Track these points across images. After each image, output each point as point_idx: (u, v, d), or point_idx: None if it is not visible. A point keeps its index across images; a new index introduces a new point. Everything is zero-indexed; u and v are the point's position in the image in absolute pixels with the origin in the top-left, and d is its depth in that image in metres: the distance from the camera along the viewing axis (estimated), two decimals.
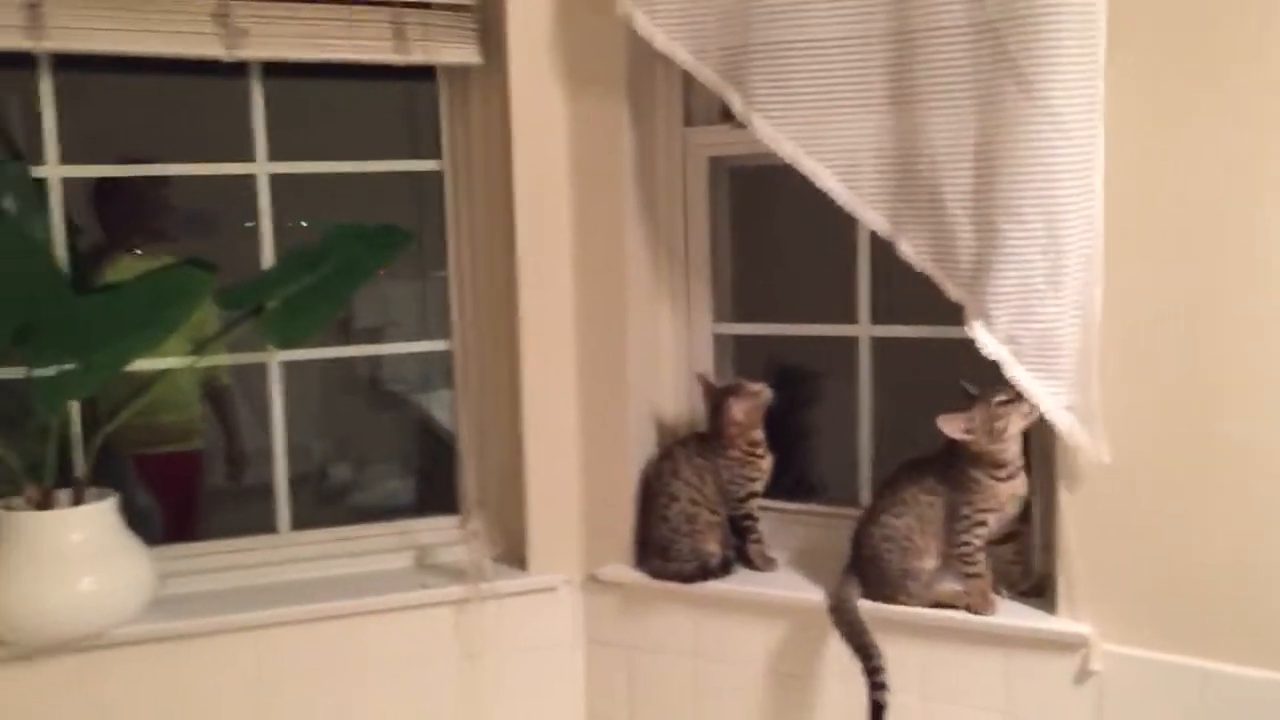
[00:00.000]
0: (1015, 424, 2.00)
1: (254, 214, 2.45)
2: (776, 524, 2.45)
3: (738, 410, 2.30)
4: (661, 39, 2.18)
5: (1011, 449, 2.05)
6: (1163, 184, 1.89)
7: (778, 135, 2.09)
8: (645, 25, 2.19)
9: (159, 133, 2.58)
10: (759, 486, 2.36)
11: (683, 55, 2.18)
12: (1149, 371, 1.93)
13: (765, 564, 2.36)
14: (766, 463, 2.35)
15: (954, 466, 2.08)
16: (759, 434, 2.35)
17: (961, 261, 1.97)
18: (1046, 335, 1.90)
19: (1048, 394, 1.92)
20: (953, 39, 1.94)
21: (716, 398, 2.34)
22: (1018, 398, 1.97)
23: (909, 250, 2.02)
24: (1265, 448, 1.85)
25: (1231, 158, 1.84)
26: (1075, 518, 2.01)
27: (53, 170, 2.29)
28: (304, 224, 2.57)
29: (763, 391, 2.32)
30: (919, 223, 2.02)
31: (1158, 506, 1.94)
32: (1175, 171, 1.88)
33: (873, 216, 2.06)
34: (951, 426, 2.03)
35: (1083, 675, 2.01)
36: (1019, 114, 1.87)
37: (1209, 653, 1.91)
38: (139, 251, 2.69)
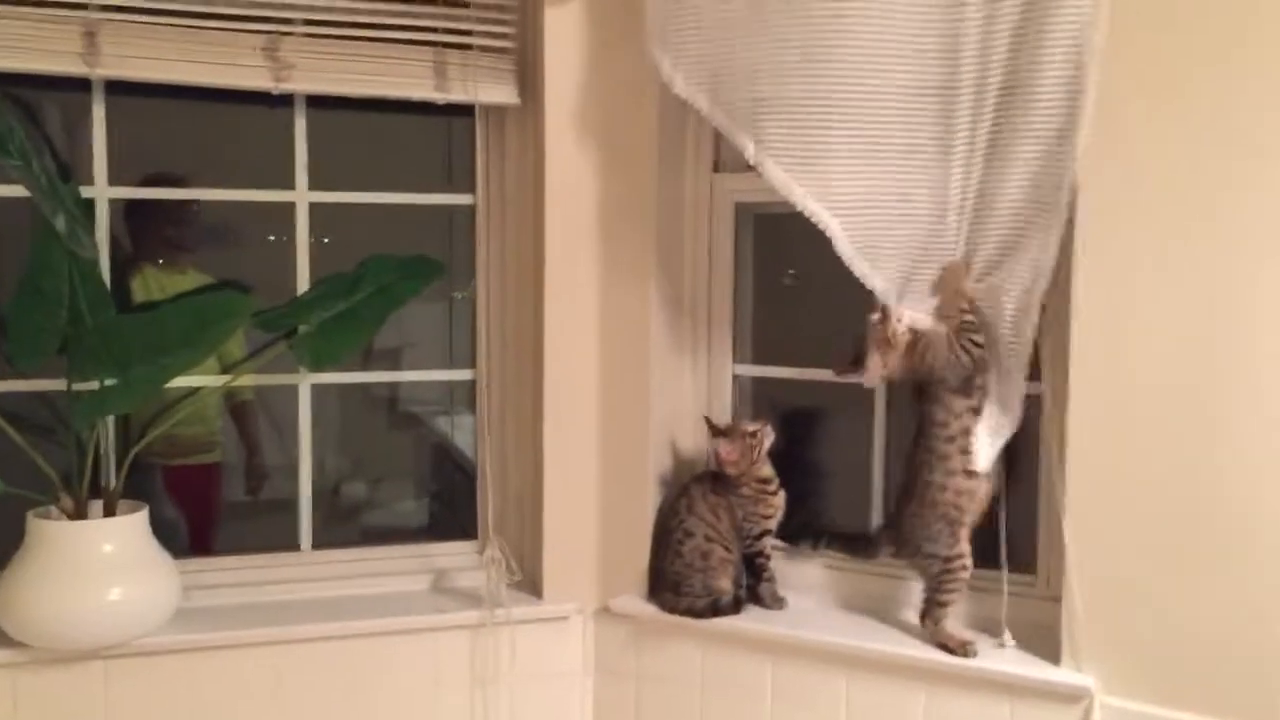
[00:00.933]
0: (902, 327, 2.14)
1: (278, 228, 2.53)
2: (788, 564, 2.50)
3: (725, 450, 2.36)
4: (681, 84, 2.25)
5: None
6: (1158, 261, 1.96)
7: (789, 180, 2.16)
8: (669, 70, 2.26)
9: (191, 150, 2.65)
10: (772, 524, 2.41)
11: (702, 101, 2.25)
12: (1155, 437, 1.98)
13: (775, 603, 2.40)
14: (779, 499, 2.40)
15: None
16: (767, 471, 2.40)
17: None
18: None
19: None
20: (952, 99, 2.06)
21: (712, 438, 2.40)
22: (884, 309, 2.15)
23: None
24: (1264, 513, 1.90)
25: (1221, 237, 1.91)
26: (1081, 572, 2.06)
27: (101, 191, 2.37)
28: (325, 240, 2.63)
29: (759, 431, 2.37)
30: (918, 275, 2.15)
31: (1162, 565, 1.99)
32: (1164, 248, 1.96)
33: (864, 268, 2.16)
34: (867, 375, 2.19)
35: None
36: (1009, 178, 2.02)
37: (1207, 710, 1.95)
38: (160, 261, 2.75)
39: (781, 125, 2.16)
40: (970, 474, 2.13)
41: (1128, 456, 2.00)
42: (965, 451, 2.13)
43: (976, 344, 2.10)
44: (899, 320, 2.13)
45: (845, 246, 2.15)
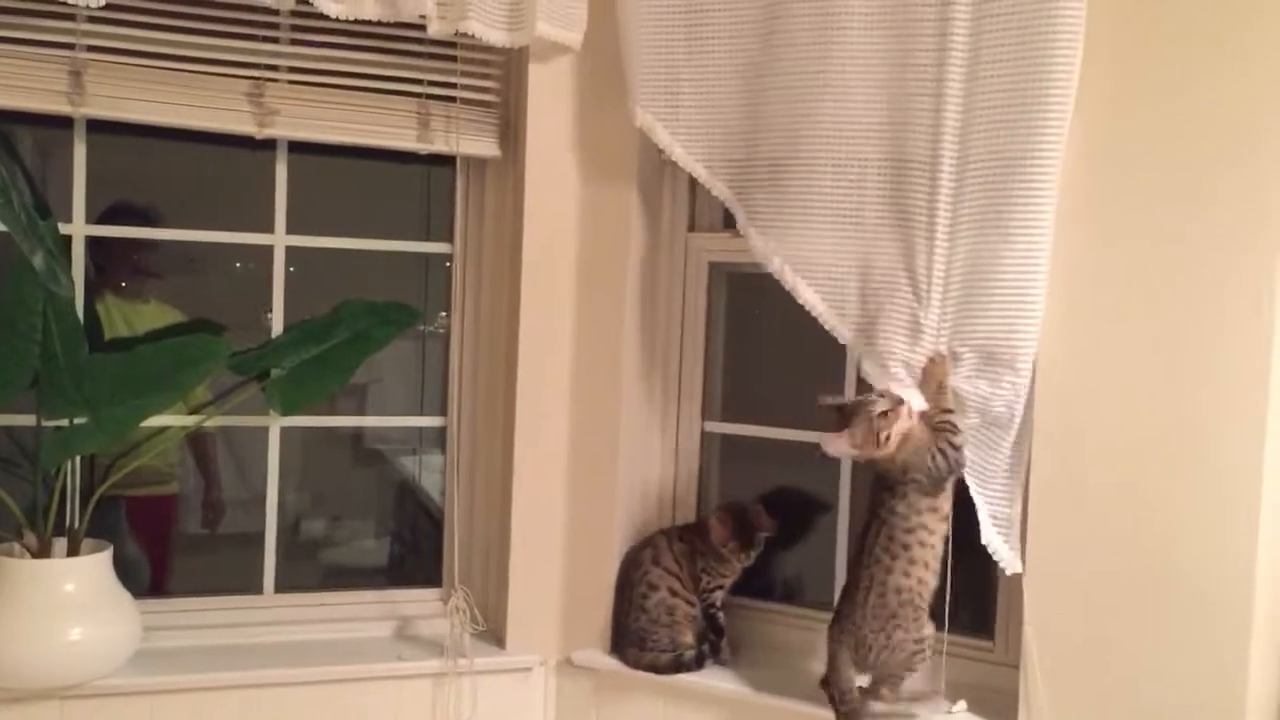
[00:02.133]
0: (898, 428, 2.05)
1: (245, 258, 2.58)
2: (749, 622, 2.52)
3: (721, 531, 2.39)
4: (680, 152, 2.31)
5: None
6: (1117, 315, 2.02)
7: (768, 252, 2.22)
8: (665, 137, 2.32)
9: (169, 188, 2.65)
10: (726, 582, 2.43)
11: (699, 170, 2.30)
12: (1113, 503, 2.03)
13: (726, 657, 2.43)
14: (736, 570, 2.43)
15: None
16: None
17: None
18: (990, 458, 2.10)
19: (984, 504, 2.10)
20: (935, 172, 2.08)
21: (722, 519, 2.41)
22: (896, 403, 2.06)
23: (871, 371, 2.16)
24: (1221, 577, 1.95)
25: (1180, 308, 1.97)
26: (1039, 639, 2.09)
27: (78, 229, 2.37)
28: (291, 268, 2.64)
29: (760, 535, 2.40)
30: (890, 341, 2.14)
31: (1120, 630, 2.02)
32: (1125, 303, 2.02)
33: (849, 334, 2.19)
34: (836, 445, 2.07)
35: None
36: (989, 249, 2.04)
37: None
38: (123, 285, 2.74)
39: (767, 193, 2.22)
40: (928, 565, 2.10)
41: (1086, 521, 2.05)
42: (922, 544, 2.08)
43: (955, 446, 2.05)
44: (904, 415, 2.06)
45: (831, 318, 2.19)
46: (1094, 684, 2.05)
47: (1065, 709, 2.07)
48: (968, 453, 2.09)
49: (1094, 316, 2.04)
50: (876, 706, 2.17)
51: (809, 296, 2.20)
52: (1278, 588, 1.96)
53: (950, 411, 2.08)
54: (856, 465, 2.47)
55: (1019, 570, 2.10)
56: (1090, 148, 2.01)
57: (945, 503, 2.10)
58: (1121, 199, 2.01)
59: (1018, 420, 2.08)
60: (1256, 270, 1.91)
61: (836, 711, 2.15)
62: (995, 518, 2.11)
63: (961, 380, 2.09)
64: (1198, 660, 1.97)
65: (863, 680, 2.19)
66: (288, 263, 2.56)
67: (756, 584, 2.52)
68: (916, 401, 2.10)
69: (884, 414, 2.04)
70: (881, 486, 2.11)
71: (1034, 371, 2.07)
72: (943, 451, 2.05)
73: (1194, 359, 1.96)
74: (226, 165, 2.61)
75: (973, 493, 2.11)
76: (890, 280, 2.13)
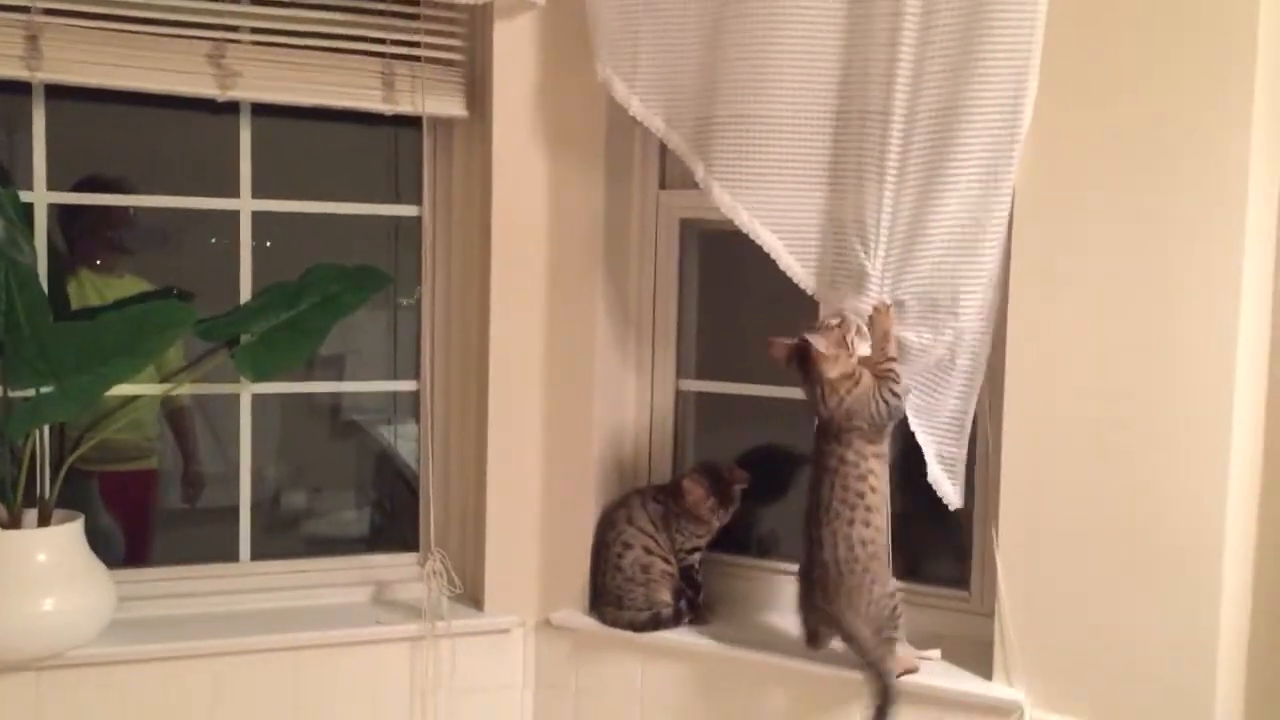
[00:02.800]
0: (855, 337, 2.11)
1: (220, 232, 2.52)
2: (725, 578, 2.53)
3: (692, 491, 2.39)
4: (637, 105, 2.29)
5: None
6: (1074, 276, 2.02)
7: (735, 204, 2.20)
8: (623, 91, 2.29)
9: (133, 155, 2.62)
10: (703, 543, 2.43)
11: (656, 122, 2.29)
12: (1085, 457, 2.04)
13: (707, 615, 2.42)
14: (715, 524, 2.42)
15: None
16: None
17: None
18: (936, 400, 2.13)
19: (931, 444, 2.15)
20: (887, 123, 2.07)
21: (696, 480, 2.41)
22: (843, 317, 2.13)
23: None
24: (1191, 530, 1.96)
25: (1148, 265, 1.97)
26: (1013, 588, 2.10)
27: (40, 196, 2.34)
28: (268, 243, 2.62)
29: (736, 489, 2.41)
30: (841, 290, 2.16)
31: (1091, 581, 2.04)
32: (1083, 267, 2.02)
33: (812, 283, 2.19)
34: (815, 340, 2.09)
35: None
36: (932, 199, 2.04)
37: None
38: (99, 263, 2.71)
39: (729, 147, 2.20)
40: (880, 512, 2.11)
41: (1059, 475, 2.05)
42: (874, 490, 2.10)
43: (895, 394, 2.07)
44: (853, 328, 2.11)
45: (795, 268, 2.18)
46: (1067, 632, 2.07)
47: (1039, 656, 2.09)
48: (914, 396, 2.13)
49: (1064, 267, 2.03)
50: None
51: (771, 243, 2.19)
52: (1248, 534, 1.97)
53: (893, 360, 2.10)
54: None
55: (960, 506, 2.15)
56: (1058, 98, 1.99)
57: (886, 449, 2.13)
58: (1092, 145, 2.00)
59: (960, 363, 2.11)
60: (1226, 216, 1.90)
61: (867, 662, 2.11)
62: (942, 457, 2.15)
63: (907, 329, 2.11)
64: (1170, 607, 1.98)
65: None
66: (261, 233, 2.53)
67: (731, 539, 2.52)
68: (863, 348, 2.12)
69: (839, 324, 2.11)
70: (825, 438, 2.13)
71: (996, 322, 2.10)
72: (884, 399, 2.08)
73: (1165, 307, 1.96)
74: (192, 131, 2.58)
75: (918, 433, 2.15)
76: (841, 231, 2.14)
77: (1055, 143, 2.01)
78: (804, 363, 2.12)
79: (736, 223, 2.20)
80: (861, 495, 2.09)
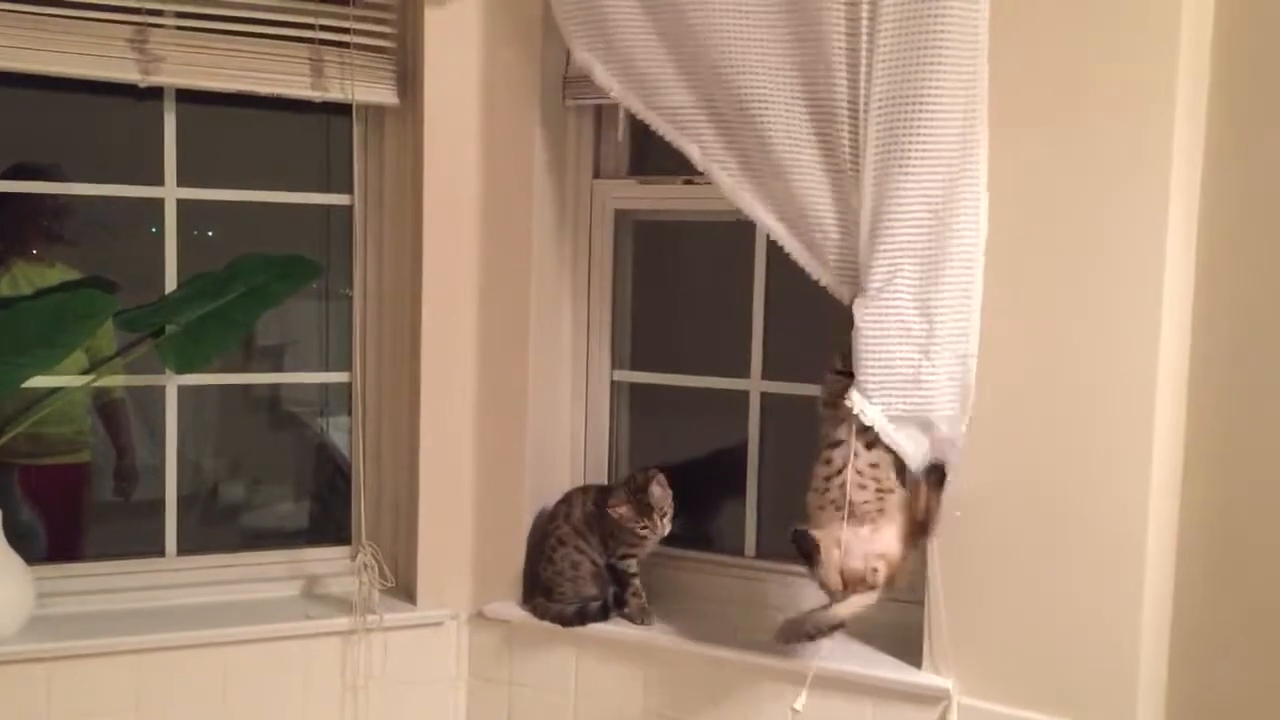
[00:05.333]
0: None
1: (153, 221, 2.46)
2: (664, 569, 2.52)
3: (617, 513, 2.34)
4: (618, 88, 2.23)
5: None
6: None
7: (737, 188, 2.13)
8: (602, 75, 2.23)
9: (58, 143, 2.57)
10: (636, 553, 2.39)
11: (637, 105, 2.22)
12: (1010, 450, 2.05)
13: (641, 617, 2.38)
14: (650, 541, 2.38)
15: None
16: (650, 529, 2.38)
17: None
18: (922, 405, 2.03)
19: (917, 456, 2.06)
20: (849, 113, 2.02)
21: (630, 489, 2.36)
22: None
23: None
24: (1111, 519, 1.98)
25: (1078, 250, 1.98)
26: (941, 577, 2.11)
27: None
28: (209, 233, 2.58)
29: (647, 529, 2.34)
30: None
31: (1016, 573, 2.06)
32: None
33: (817, 268, 2.10)
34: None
35: None
36: (900, 189, 1.98)
37: (1059, 710, 2.03)
38: (35, 252, 2.66)
39: (715, 132, 2.14)
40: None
41: (985, 468, 2.06)
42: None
43: None
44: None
45: (801, 254, 2.11)
46: (995, 621, 2.09)
47: (967, 645, 2.11)
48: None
49: (989, 263, 2.03)
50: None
51: (776, 229, 2.12)
52: (1170, 522, 1.99)
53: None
54: (765, 411, 2.48)
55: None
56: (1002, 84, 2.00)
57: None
58: (1023, 121, 2.01)
59: (939, 363, 2.03)
60: (1150, 215, 1.92)
61: None
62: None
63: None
64: (1094, 595, 2.00)
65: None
66: (194, 223, 2.49)
67: (674, 535, 2.50)
68: None
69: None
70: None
71: None
72: None
73: (1087, 302, 1.98)
74: (116, 117, 2.53)
75: (904, 448, 2.07)
76: (821, 220, 2.07)
77: (989, 143, 2.02)
78: None
79: (739, 206, 2.13)
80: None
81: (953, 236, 2.00)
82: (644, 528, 2.33)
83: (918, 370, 2.00)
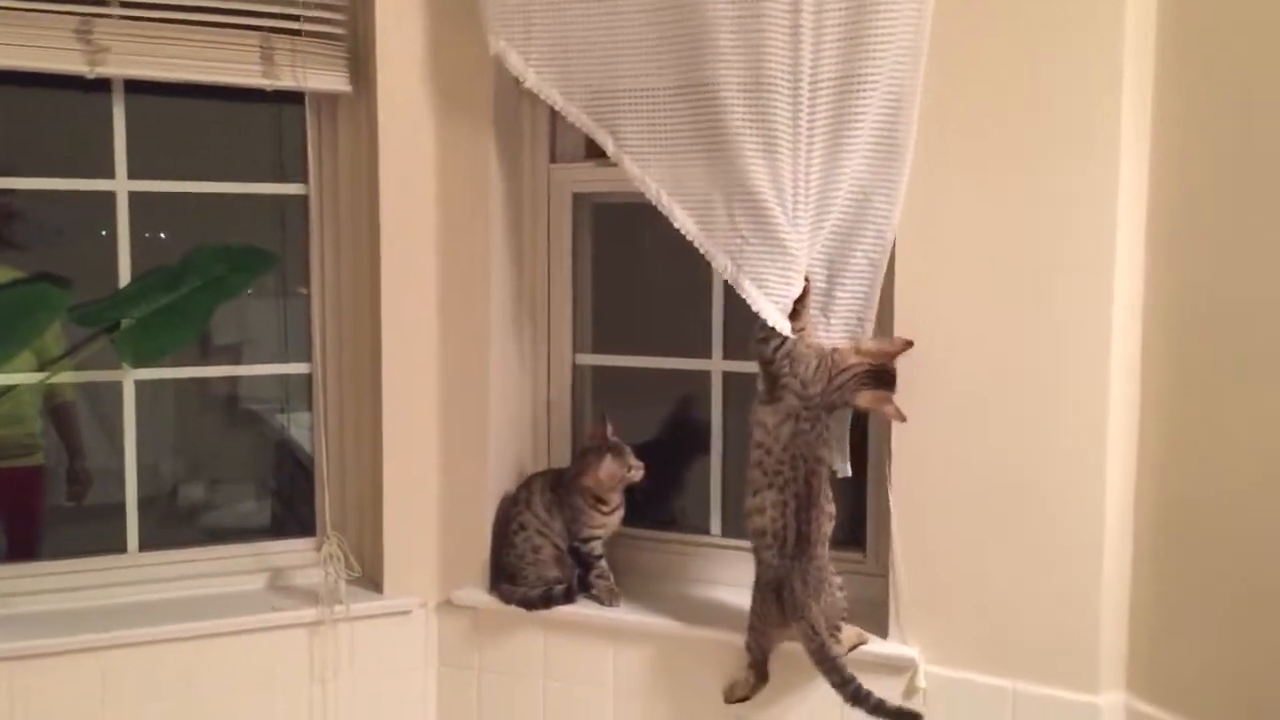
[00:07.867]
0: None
1: (108, 222, 2.43)
2: (629, 550, 2.53)
3: (604, 472, 2.35)
4: (533, 78, 2.23)
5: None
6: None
7: (644, 178, 2.16)
8: (518, 64, 2.24)
9: (4, 137, 2.53)
10: (600, 533, 2.40)
11: (554, 95, 2.23)
12: (971, 423, 2.08)
13: (609, 598, 2.39)
14: (613, 519, 2.40)
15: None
16: (615, 497, 2.40)
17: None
18: None
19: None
20: (780, 92, 2.04)
21: (594, 449, 2.38)
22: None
23: (750, 290, 2.09)
24: (1067, 490, 2.02)
25: (1030, 238, 2.01)
26: (906, 550, 2.14)
27: None
28: (162, 235, 2.55)
29: (635, 471, 2.37)
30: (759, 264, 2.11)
31: (978, 542, 2.09)
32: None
33: (721, 258, 2.12)
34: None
35: (910, 693, 2.14)
36: (844, 167, 2.05)
37: (1019, 675, 2.06)
38: None
39: (632, 118, 2.16)
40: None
41: (947, 442, 2.09)
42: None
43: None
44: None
45: (703, 241, 2.12)
46: (958, 590, 2.11)
47: (931, 614, 2.13)
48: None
49: (948, 245, 2.07)
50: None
51: (683, 220, 2.14)
52: (1127, 492, 2.02)
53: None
54: (728, 390, 2.49)
55: (849, 474, 2.21)
56: (938, 89, 2.04)
57: None
58: (973, 109, 2.03)
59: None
60: (1098, 177, 1.95)
61: (822, 656, 2.07)
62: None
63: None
64: (1055, 563, 2.03)
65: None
66: (146, 216, 2.45)
67: (640, 514, 2.51)
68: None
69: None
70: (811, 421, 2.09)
71: (884, 300, 2.14)
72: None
73: (1043, 281, 2.01)
74: (64, 110, 2.49)
75: None
76: (755, 200, 2.08)
77: (940, 132, 2.05)
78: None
79: (648, 196, 2.15)
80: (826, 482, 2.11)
81: (871, 209, 2.09)
82: (631, 469, 2.35)
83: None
